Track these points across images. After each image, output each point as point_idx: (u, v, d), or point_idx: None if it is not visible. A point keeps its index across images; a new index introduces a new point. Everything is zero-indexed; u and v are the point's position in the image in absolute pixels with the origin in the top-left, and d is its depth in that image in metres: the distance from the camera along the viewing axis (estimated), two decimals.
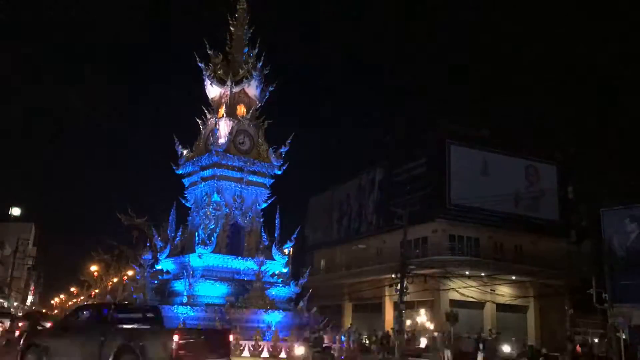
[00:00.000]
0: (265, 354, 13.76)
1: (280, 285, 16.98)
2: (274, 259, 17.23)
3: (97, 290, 59.86)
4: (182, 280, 15.85)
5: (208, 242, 16.32)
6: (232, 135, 17.72)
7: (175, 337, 8.44)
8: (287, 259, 17.70)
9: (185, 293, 15.49)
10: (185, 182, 18.60)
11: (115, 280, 50.73)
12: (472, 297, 33.84)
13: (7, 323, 24.11)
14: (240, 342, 13.67)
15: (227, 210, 17.38)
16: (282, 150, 18.29)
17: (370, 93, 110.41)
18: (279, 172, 18.31)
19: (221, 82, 18.52)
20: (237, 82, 18.45)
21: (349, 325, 31.26)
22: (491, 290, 35.22)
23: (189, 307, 14.98)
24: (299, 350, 14.06)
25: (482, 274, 34.61)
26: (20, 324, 21.19)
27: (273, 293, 16.32)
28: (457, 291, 33.63)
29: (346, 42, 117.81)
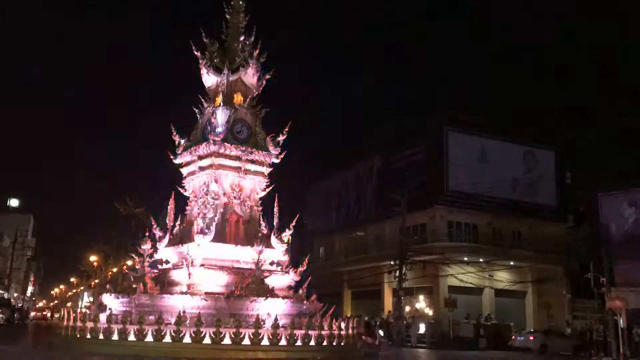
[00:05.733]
0: (265, 342, 13.81)
1: (280, 273, 16.98)
2: (273, 247, 17.21)
3: (96, 281, 60.06)
4: (181, 270, 15.86)
5: (207, 231, 16.28)
6: (230, 124, 17.61)
7: None
8: (286, 247, 17.68)
9: (184, 282, 15.51)
10: (184, 171, 18.53)
11: (114, 270, 50.90)
12: (470, 282, 34.04)
13: None
14: (241, 330, 13.71)
15: (225, 200, 17.33)
16: (280, 138, 18.19)
17: (369, 80, 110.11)
18: (277, 161, 18.24)
19: (217, 70, 18.36)
20: (234, 71, 18.30)
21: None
22: (490, 275, 35.42)
23: (188, 296, 15.00)
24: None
25: (481, 260, 34.77)
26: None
27: (272, 281, 16.31)
28: (455, 277, 33.84)
29: (345, 31, 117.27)
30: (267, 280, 15.99)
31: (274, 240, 17.29)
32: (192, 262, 15.63)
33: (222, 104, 17.97)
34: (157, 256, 17.65)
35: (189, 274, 15.41)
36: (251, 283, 15.65)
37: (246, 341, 13.64)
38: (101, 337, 14.27)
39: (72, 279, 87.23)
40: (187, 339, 13.54)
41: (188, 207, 18.15)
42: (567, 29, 75.62)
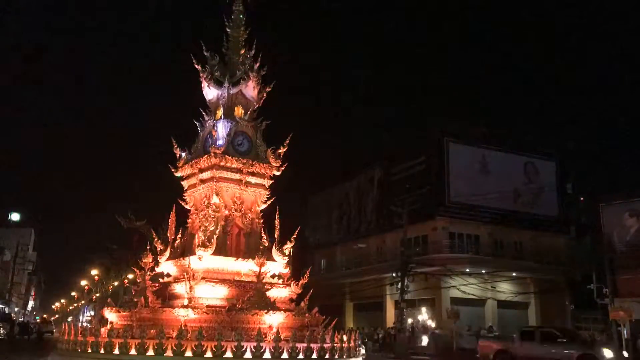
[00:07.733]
0: (267, 355, 13.74)
1: (281, 286, 16.92)
2: (274, 260, 17.16)
3: (98, 294, 59.96)
4: (182, 283, 15.82)
5: (208, 244, 16.24)
6: (230, 136, 17.66)
7: None
8: (287, 259, 17.63)
9: (186, 296, 15.46)
10: (184, 184, 18.55)
11: (116, 283, 50.82)
12: (473, 294, 33.93)
13: None
14: (242, 343, 13.64)
15: (226, 212, 17.32)
16: (280, 150, 18.23)
17: (370, 92, 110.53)
18: (278, 173, 18.26)
19: (218, 83, 18.45)
20: (234, 84, 18.38)
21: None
22: (492, 287, 35.32)
23: (190, 309, 14.95)
24: None
25: (483, 271, 34.70)
26: None
27: (274, 294, 16.25)
28: (458, 289, 33.74)
29: (346, 42, 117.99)
30: (268, 293, 15.94)
31: (275, 253, 17.25)
32: (193, 275, 15.59)
33: (222, 117, 18.02)
34: (158, 269, 17.61)
35: (190, 288, 15.36)
36: (253, 296, 15.59)
37: (248, 355, 13.56)
38: (102, 351, 14.21)
39: (73, 293, 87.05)
40: (188, 353, 13.48)
41: (189, 220, 18.14)
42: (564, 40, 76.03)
